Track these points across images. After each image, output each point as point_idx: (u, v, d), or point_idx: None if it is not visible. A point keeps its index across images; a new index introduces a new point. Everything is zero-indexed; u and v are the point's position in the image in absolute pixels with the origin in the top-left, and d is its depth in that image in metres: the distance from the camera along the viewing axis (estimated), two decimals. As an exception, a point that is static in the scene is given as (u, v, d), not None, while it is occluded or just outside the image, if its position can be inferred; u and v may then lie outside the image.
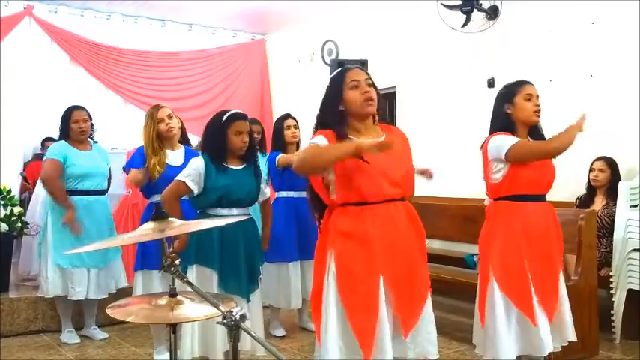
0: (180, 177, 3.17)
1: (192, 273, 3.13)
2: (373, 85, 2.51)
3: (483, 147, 3.10)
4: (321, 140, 2.44)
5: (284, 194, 4.48)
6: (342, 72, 2.54)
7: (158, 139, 3.75)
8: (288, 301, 4.43)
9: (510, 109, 3.03)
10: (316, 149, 2.41)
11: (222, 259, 3.14)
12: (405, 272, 2.45)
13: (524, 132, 3.06)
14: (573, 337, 3.03)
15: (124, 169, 4.45)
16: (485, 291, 3.00)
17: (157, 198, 3.73)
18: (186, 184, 3.14)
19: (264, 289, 4.19)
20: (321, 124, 2.52)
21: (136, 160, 3.80)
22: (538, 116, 3.04)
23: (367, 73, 2.53)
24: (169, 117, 3.79)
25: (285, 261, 4.39)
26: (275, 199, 4.53)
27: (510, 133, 3.01)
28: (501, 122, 3.06)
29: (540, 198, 3.06)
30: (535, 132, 3.10)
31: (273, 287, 4.41)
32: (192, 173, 3.16)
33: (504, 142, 2.96)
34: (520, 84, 3.07)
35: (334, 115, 2.48)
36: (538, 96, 3.05)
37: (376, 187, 2.41)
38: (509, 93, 3.07)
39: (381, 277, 2.39)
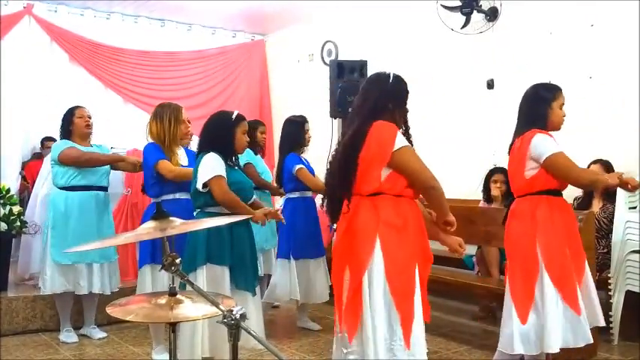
0: (215, 173, 3.12)
1: (203, 273, 3.14)
2: None
3: (522, 142, 3.05)
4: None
5: (297, 194, 4.49)
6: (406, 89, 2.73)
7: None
8: (316, 296, 4.47)
9: (549, 111, 3.07)
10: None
11: (233, 256, 3.19)
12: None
13: None
14: (602, 322, 3.16)
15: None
16: (533, 286, 2.99)
17: (167, 197, 3.71)
18: (225, 178, 3.14)
19: (289, 285, 4.36)
20: (381, 111, 2.62)
21: (153, 154, 3.69)
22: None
23: None
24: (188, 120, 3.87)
25: (311, 258, 4.43)
26: (293, 199, 4.50)
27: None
28: (539, 120, 3.07)
29: (561, 193, 3.13)
30: None
31: (296, 283, 4.40)
32: (221, 168, 3.15)
33: (548, 146, 2.96)
34: (561, 91, 3.13)
35: (403, 116, 2.71)
36: None
37: None
38: (554, 95, 3.10)
39: (417, 267, 2.56)
